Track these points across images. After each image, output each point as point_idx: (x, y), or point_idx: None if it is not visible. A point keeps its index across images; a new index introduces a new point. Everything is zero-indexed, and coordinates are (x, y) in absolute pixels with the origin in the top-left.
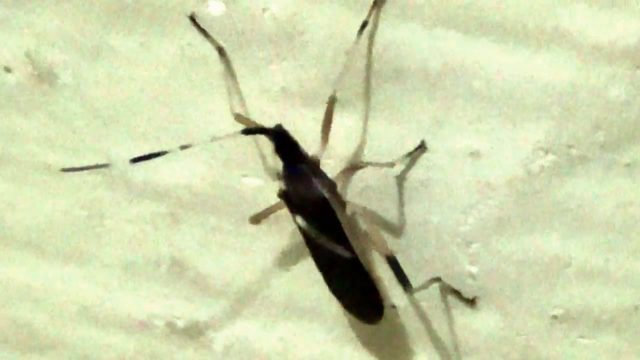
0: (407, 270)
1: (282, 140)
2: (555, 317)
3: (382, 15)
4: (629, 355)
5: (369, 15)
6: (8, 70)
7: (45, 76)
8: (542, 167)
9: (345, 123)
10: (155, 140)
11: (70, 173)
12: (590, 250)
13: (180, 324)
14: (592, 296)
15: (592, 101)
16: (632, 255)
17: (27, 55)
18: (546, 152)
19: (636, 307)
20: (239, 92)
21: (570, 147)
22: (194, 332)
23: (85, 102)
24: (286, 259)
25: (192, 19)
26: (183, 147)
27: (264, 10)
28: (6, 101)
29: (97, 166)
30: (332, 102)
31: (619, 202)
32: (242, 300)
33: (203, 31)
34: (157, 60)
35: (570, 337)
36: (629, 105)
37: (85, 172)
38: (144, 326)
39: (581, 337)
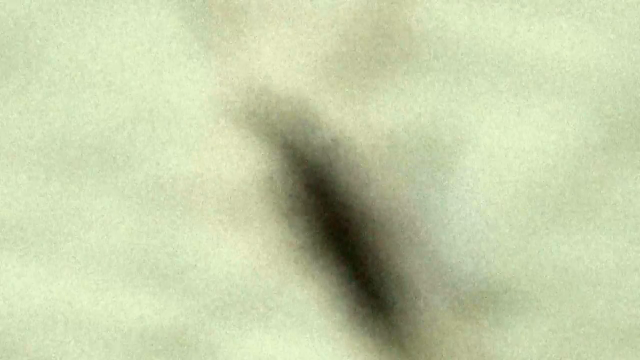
0: (423, 274)
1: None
2: (593, 321)
3: None
4: None
5: None
6: None
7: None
8: (578, 158)
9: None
10: (139, 101)
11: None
12: (636, 251)
13: (172, 330)
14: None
15: (636, 80)
16: None
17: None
18: (583, 140)
19: None
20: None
21: (610, 134)
22: (192, 342)
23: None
24: (287, 260)
25: None
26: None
27: None
28: None
29: None
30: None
31: None
32: (242, 306)
33: None
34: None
35: (619, 346)
36: None
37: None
38: (129, 333)
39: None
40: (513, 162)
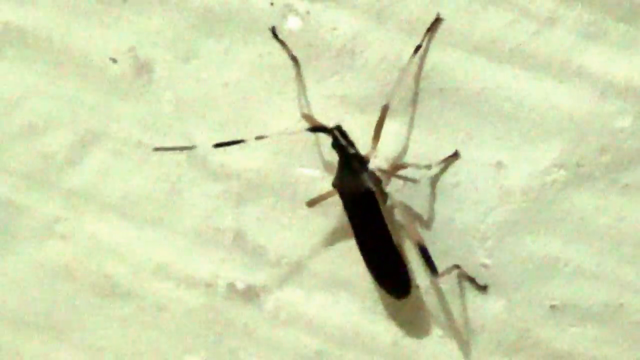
0: (432, 257)
1: (341, 139)
2: (551, 306)
3: (433, 41)
4: (610, 345)
5: (423, 39)
6: (114, 61)
7: (144, 69)
8: (554, 180)
9: (392, 129)
10: (231, 130)
11: (159, 151)
12: (586, 254)
13: (239, 285)
14: (583, 292)
15: (603, 129)
16: (620, 262)
17: (131, 50)
18: (559, 168)
19: (620, 305)
20: (305, 96)
21: (579, 165)
22: (249, 294)
23: (176, 93)
24: (332, 239)
25: (273, 31)
26: (258, 138)
27: (333, 29)
28: (110, 87)
29: (183, 147)
30: (385, 110)
31: (615, 216)
32: (292, 271)
33: (281, 42)
34: (239, 63)
35: (562, 325)
36: (632, 134)
37: (171, 151)
38: (209, 285)
39: (571, 325)
40: (503, 183)
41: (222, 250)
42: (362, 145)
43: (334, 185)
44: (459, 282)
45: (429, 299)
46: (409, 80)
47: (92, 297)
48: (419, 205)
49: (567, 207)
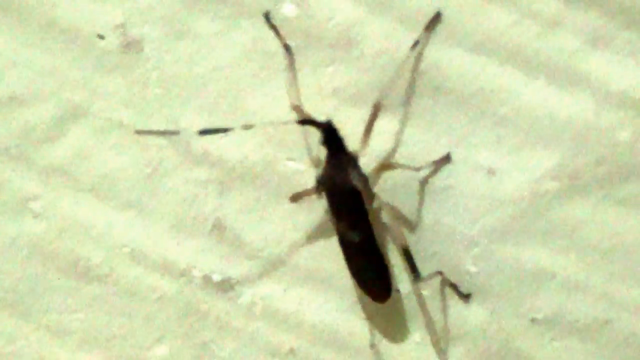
0: (415, 261)
1: (331, 134)
2: (534, 319)
3: (432, 37)
4: None
5: (420, 35)
6: (101, 37)
7: (132, 46)
8: (547, 190)
9: (384, 127)
10: (219, 116)
11: (141, 134)
12: (575, 267)
13: (215, 277)
14: (569, 306)
15: (601, 140)
16: (610, 277)
17: (120, 26)
18: (552, 179)
19: (607, 321)
20: (297, 86)
21: (574, 176)
22: (225, 286)
23: (164, 74)
24: (313, 236)
25: (266, 16)
26: (245, 127)
27: (330, 18)
28: (95, 63)
29: (167, 132)
30: (377, 108)
31: (608, 231)
32: (270, 265)
33: (274, 28)
34: (231, 47)
35: (544, 338)
36: (630, 148)
37: (154, 135)
38: (184, 275)
39: (553, 339)
40: (494, 190)
41: (200, 239)
42: (351, 141)
43: (320, 181)
44: (442, 289)
45: (410, 304)
46: (405, 77)
47: (62, 278)
48: (407, 208)
49: (559, 219)
